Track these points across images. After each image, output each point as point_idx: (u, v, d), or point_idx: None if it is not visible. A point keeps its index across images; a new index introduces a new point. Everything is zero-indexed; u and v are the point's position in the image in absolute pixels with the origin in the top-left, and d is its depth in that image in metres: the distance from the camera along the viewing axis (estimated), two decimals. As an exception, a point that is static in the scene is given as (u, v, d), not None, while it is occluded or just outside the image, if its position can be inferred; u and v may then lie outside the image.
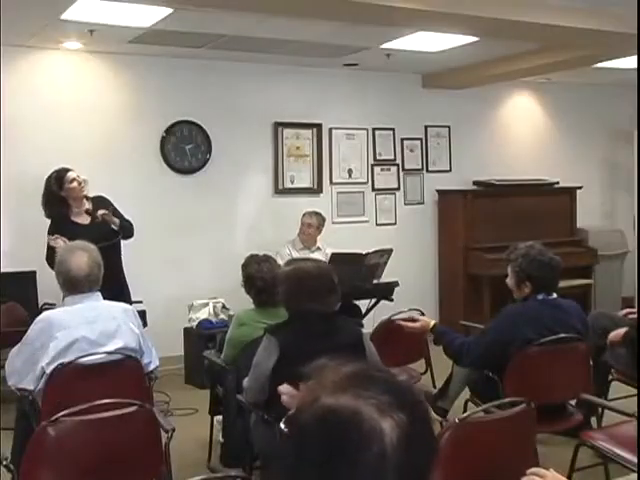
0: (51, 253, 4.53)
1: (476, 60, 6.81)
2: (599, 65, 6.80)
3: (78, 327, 3.26)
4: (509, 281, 3.79)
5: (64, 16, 4.99)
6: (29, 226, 5.88)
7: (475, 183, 7.79)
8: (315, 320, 3.16)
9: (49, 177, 5.03)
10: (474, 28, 5.26)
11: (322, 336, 3.11)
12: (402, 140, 7.66)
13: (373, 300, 6.01)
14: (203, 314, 6.08)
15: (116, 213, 5.04)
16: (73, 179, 4.98)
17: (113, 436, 2.79)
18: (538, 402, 2.88)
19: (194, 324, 6.06)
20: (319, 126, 7.19)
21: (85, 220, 4.99)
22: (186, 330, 6.17)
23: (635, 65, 6.22)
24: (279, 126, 7.01)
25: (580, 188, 8.17)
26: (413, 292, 6.69)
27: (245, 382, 3.34)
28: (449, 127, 7.90)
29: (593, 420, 3.98)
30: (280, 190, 7.05)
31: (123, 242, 5.11)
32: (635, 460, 2.71)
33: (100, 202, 5.05)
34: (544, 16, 4.94)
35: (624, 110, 8.21)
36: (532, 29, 5.10)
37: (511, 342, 3.56)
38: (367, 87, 7.40)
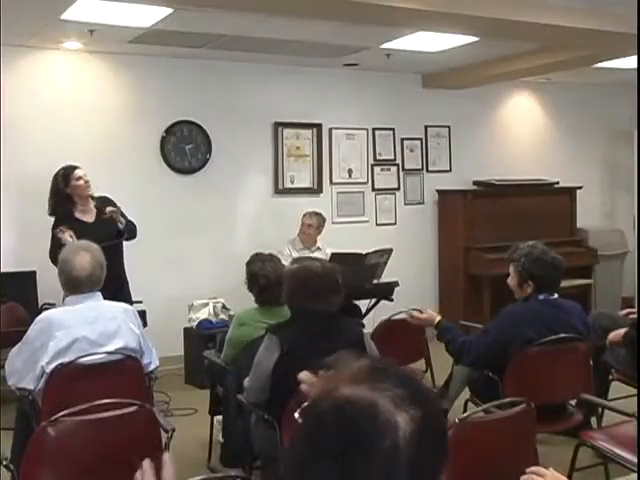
0: (54, 249, 4.52)
1: (476, 60, 6.81)
2: (599, 65, 6.80)
3: (78, 327, 3.27)
4: (511, 281, 3.78)
5: (64, 16, 4.99)
6: (29, 226, 5.89)
7: (475, 183, 7.79)
8: (317, 320, 3.16)
9: (56, 174, 5.04)
10: (474, 28, 5.26)
11: (324, 336, 3.11)
12: (402, 140, 7.66)
13: (373, 300, 6.01)
14: (203, 314, 6.08)
15: (122, 214, 5.06)
16: (80, 177, 4.99)
17: (113, 436, 2.79)
18: (538, 402, 2.88)
19: (194, 324, 6.06)
20: (319, 126, 7.19)
21: (90, 218, 5.00)
22: (186, 330, 6.17)
23: (635, 65, 6.22)
24: (279, 126, 7.01)
25: (580, 188, 8.18)
26: (413, 292, 6.69)
27: (246, 382, 3.34)
28: (449, 127, 7.90)
29: (593, 420, 3.98)
30: (280, 190, 7.05)
31: (125, 243, 5.12)
32: (635, 460, 2.71)
33: (105, 202, 5.07)
34: (544, 16, 4.94)
35: (624, 110, 8.21)
36: (532, 29, 5.10)
37: (511, 342, 3.56)
38: (367, 87, 7.40)
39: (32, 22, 5.20)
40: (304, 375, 2.58)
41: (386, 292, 5.99)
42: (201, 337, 5.88)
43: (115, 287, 4.15)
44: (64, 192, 4.97)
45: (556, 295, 3.74)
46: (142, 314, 4.33)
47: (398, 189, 7.68)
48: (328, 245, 6.46)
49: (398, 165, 7.67)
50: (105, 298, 3.47)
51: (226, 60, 6.58)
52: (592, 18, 5.11)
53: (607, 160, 8.88)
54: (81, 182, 4.99)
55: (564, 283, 3.94)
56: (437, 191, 7.80)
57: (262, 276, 3.91)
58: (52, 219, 5.00)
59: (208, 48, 6.10)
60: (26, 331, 3.34)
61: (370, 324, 4.86)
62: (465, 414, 2.81)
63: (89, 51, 6.14)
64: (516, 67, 6.76)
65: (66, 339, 3.23)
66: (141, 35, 5.62)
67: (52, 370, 3.19)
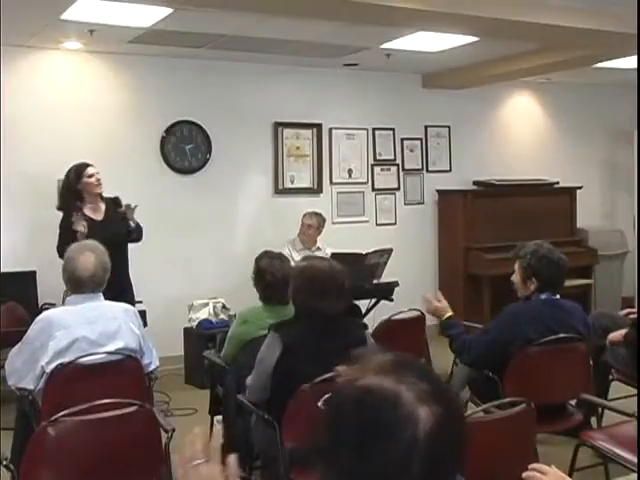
0: (62, 244, 4.55)
1: (476, 60, 6.81)
2: (599, 65, 6.80)
3: (78, 327, 3.27)
4: (514, 278, 3.78)
5: (64, 16, 4.99)
6: (29, 226, 5.89)
7: (475, 183, 7.79)
8: (320, 319, 3.15)
9: (69, 169, 5.08)
10: (474, 28, 5.26)
11: (326, 336, 3.12)
12: (402, 140, 7.66)
13: (373, 300, 6.01)
14: (203, 314, 6.08)
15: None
16: (92, 174, 5.03)
17: (113, 436, 2.79)
18: (538, 402, 2.88)
19: (194, 324, 6.06)
20: (319, 126, 7.19)
21: (99, 216, 5.03)
22: (186, 330, 6.17)
23: (635, 65, 6.22)
24: (279, 126, 7.01)
25: (580, 188, 8.18)
26: (413, 292, 6.64)
27: (248, 380, 3.33)
28: (449, 127, 7.90)
29: (593, 420, 3.97)
30: (280, 190, 7.05)
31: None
32: (635, 460, 2.71)
33: (115, 203, 5.12)
34: (544, 16, 4.94)
35: (624, 110, 8.21)
36: (532, 29, 5.10)
37: (512, 341, 3.56)
38: (367, 87, 7.40)
39: (32, 22, 5.19)
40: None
41: (386, 292, 5.99)
42: (201, 337, 5.88)
43: (118, 289, 4.15)
44: (75, 188, 5.01)
45: (558, 296, 3.74)
46: (142, 314, 4.32)
47: (398, 189, 7.67)
48: (328, 245, 6.46)
49: (398, 165, 7.67)
50: (107, 299, 3.47)
51: (226, 60, 6.58)
52: (592, 18, 5.11)
53: (607, 160, 8.88)
54: (92, 179, 5.03)
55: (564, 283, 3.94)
56: (437, 191, 7.80)
57: (269, 272, 3.89)
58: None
59: (208, 48, 6.10)
60: (26, 331, 3.35)
61: (370, 324, 4.84)
62: (465, 414, 2.81)
63: (89, 51, 6.14)
64: (516, 67, 6.76)
65: (66, 339, 3.23)
66: (141, 35, 5.62)
67: (52, 370, 3.19)
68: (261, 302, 3.98)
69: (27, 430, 3.18)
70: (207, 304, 6.14)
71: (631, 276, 8.20)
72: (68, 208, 4.97)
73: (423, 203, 7.80)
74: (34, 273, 5.76)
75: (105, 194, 5.15)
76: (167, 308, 6.31)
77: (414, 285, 7.03)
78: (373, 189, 7.54)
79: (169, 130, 6.55)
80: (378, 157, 7.55)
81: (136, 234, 5.12)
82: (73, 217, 4.81)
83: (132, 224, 5.06)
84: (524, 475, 1.82)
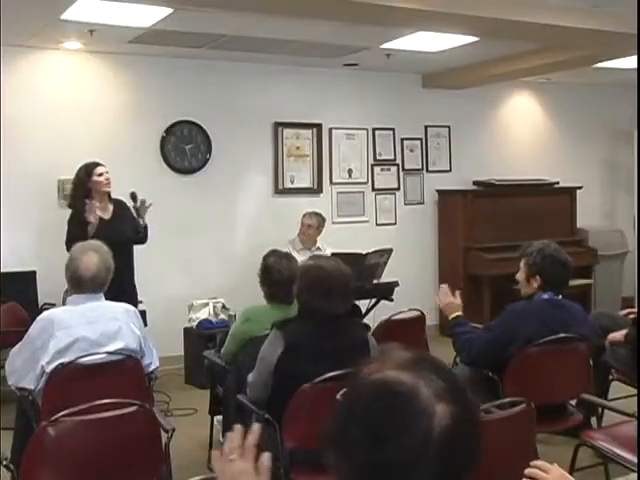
0: (71, 238, 4.60)
1: (476, 60, 6.81)
2: (599, 65, 6.80)
3: (78, 327, 3.27)
4: (519, 275, 3.79)
5: (64, 16, 4.99)
6: (29, 226, 5.89)
7: (475, 183, 7.79)
8: (323, 319, 3.15)
9: (80, 168, 5.14)
10: (474, 28, 5.26)
11: (328, 336, 3.12)
12: (402, 140, 7.66)
13: (373, 300, 6.01)
14: (203, 314, 6.08)
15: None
16: (101, 173, 5.09)
17: (113, 436, 2.79)
18: (538, 402, 2.88)
19: (194, 324, 6.06)
20: (319, 126, 7.19)
21: (106, 215, 5.07)
22: (186, 330, 6.17)
23: (635, 65, 6.22)
24: (279, 126, 7.01)
25: (580, 188, 8.18)
26: (413, 292, 6.68)
27: (250, 377, 3.33)
28: (449, 127, 7.90)
29: (593, 420, 3.97)
30: (280, 190, 7.05)
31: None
32: (635, 460, 2.71)
33: (122, 205, 5.19)
34: (544, 16, 4.94)
35: (624, 110, 8.21)
36: (532, 29, 5.10)
37: (513, 340, 3.56)
38: (367, 87, 7.40)
39: (32, 22, 5.20)
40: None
41: (386, 292, 5.99)
42: (201, 337, 5.88)
43: (121, 290, 4.16)
44: (85, 186, 5.06)
45: (560, 296, 3.74)
46: (142, 314, 4.31)
47: (398, 189, 7.68)
48: (328, 245, 6.46)
49: (398, 165, 7.67)
50: (110, 299, 3.47)
51: (226, 60, 6.58)
52: (592, 18, 5.11)
53: (607, 160, 8.88)
54: (102, 178, 5.09)
55: (564, 283, 3.94)
56: (437, 191, 7.80)
57: (277, 270, 3.89)
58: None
59: (208, 48, 6.10)
60: (26, 331, 3.34)
61: (370, 324, 4.84)
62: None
63: (89, 51, 6.14)
64: (516, 67, 6.76)
65: (66, 339, 3.23)
66: (141, 35, 5.62)
67: (52, 370, 3.19)
68: (266, 300, 3.98)
69: (27, 430, 3.18)
70: (207, 304, 6.14)
71: (631, 276, 8.20)
72: (78, 205, 5.01)
73: (423, 203, 7.81)
74: (34, 273, 5.76)
75: (121, 198, 5.20)
76: (167, 308, 6.31)
77: (414, 285, 7.04)
78: (373, 189, 7.54)
79: (169, 130, 6.55)
80: (378, 157, 7.55)
81: (143, 234, 5.18)
82: (87, 205, 4.86)
83: (142, 222, 5.13)
84: (526, 472, 1.82)
